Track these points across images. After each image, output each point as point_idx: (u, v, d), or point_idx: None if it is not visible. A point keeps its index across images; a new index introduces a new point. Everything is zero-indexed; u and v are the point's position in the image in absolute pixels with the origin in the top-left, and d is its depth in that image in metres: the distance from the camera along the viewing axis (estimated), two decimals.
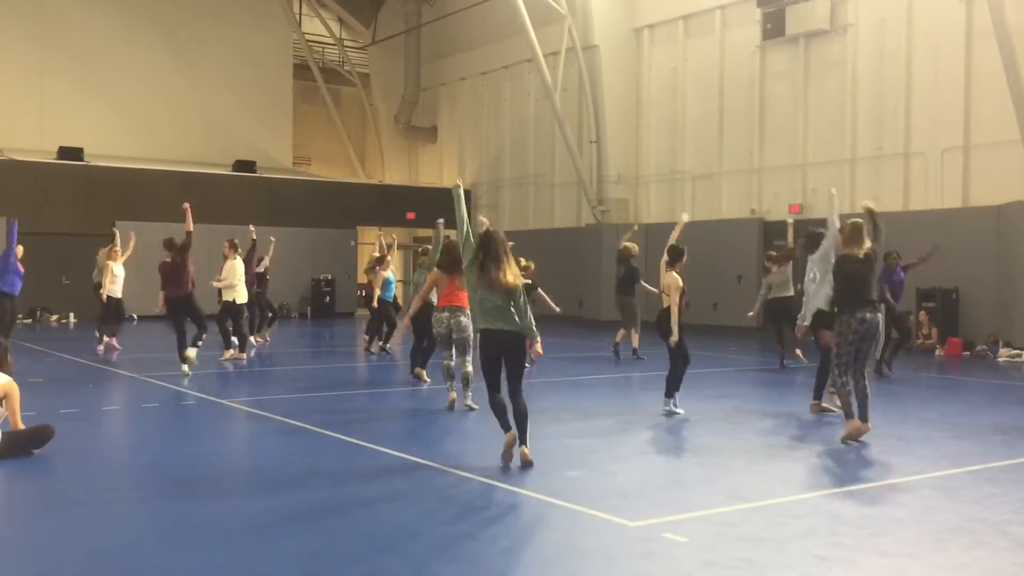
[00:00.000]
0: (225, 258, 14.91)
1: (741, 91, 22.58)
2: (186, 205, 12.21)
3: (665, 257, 9.61)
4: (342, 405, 10.66)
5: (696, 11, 23.52)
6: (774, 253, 15.09)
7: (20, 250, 14.19)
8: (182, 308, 12.63)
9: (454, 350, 9.91)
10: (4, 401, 7.36)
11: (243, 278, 14.88)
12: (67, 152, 25.31)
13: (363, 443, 8.09)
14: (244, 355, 14.59)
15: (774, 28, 21.25)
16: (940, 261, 18.20)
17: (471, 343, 9.64)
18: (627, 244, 15.65)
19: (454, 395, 9.94)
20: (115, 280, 15.98)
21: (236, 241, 15.08)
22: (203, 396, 10.76)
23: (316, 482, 6.79)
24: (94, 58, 27.78)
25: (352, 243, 28.71)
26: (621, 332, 15.65)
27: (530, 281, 15.27)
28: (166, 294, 12.70)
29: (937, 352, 16.96)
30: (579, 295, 25.40)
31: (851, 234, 8.35)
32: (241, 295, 14.82)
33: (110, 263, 16.03)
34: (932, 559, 5.06)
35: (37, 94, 27.18)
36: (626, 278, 15.36)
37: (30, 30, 27.11)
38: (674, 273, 9.44)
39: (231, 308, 14.66)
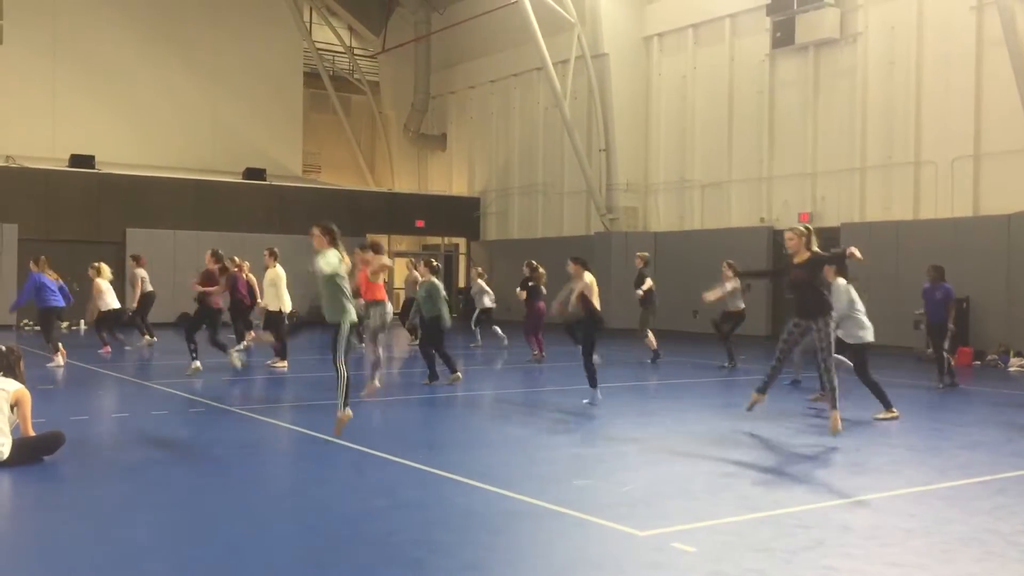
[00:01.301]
0: (266, 267, 14.97)
1: (750, 99, 22.58)
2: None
3: (572, 266, 10.89)
4: (356, 413, 10.67)
5: (705, 19, 23.54)
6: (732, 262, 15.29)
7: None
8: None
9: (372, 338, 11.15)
10: (15, 408, 7.39)
11: (283, 285, 15.00)
12: (79, 160, 25.44)
13: (373, 452, 8.10)
14: (285, 363, 14.70)
15: (784, 36, 21.25)
16: (950, 270, 18.15)
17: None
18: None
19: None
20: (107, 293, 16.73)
21: (276, 250, 15.12)
22: (213, 403, 10.78)
23: (325, 491, 6.80)
24: (106, 67, 27.99)
25: None
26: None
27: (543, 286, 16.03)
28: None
29: None
30: None
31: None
32: (285, 303, 14.85)
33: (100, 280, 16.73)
34: (942, 570, 5.04)
35: (49, 102, 27.38)
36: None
37: (43, 40, 27.31)
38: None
39: (276, 317, 14.72)
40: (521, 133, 28.85)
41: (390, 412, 10.95)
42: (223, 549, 5.33)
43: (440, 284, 12.49)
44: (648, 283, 16.00)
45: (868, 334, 10.34)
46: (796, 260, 9.11)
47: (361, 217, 28.79)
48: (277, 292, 14.67)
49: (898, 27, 19.63)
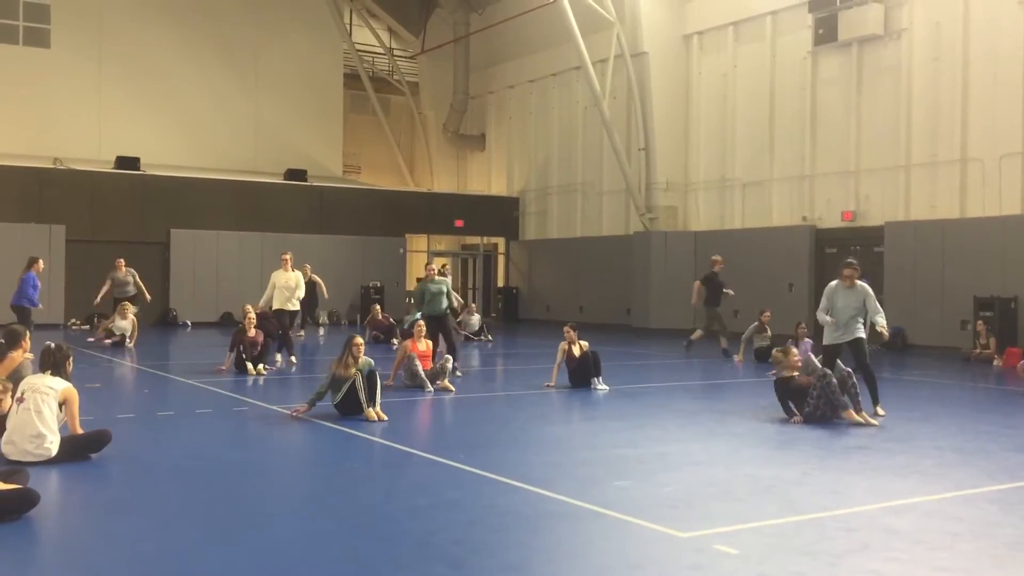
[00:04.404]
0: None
1: (792, 97, 22.35)
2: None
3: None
4: (398, 413, 10.73)
5: (746, 17, 23.35)
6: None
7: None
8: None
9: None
10: (63, 406, 7.51)
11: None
12: (124, 161, 25.86)
13: (416, 451, 8.14)
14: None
15: (826, 33, 21.01)
16: (999, 270, 17.87)
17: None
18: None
19: None
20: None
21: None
22: (256, 403, 10.89)
23: (367, 490, 6.84)
24: (151, 70, 28.40)
25: (401, 251, 28.93)
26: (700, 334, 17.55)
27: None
28: None
29: (995, 363, 16.58)
30: (627, 303, 25.32)
31: None
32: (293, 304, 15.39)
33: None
34: (991, 575, 4.95)
35: (95, 105, 27.84)
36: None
37: (89, 43, 27.78)
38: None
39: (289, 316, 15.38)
40: (560, 133, 28.82)
41: (433, 411, 10.99)
42: (266, 547, 5.37)
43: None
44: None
45: None
46: None
47: (400, 217, 28.96)
48: (292, 295, 15.35)
49: (944, 23, 19.32)
